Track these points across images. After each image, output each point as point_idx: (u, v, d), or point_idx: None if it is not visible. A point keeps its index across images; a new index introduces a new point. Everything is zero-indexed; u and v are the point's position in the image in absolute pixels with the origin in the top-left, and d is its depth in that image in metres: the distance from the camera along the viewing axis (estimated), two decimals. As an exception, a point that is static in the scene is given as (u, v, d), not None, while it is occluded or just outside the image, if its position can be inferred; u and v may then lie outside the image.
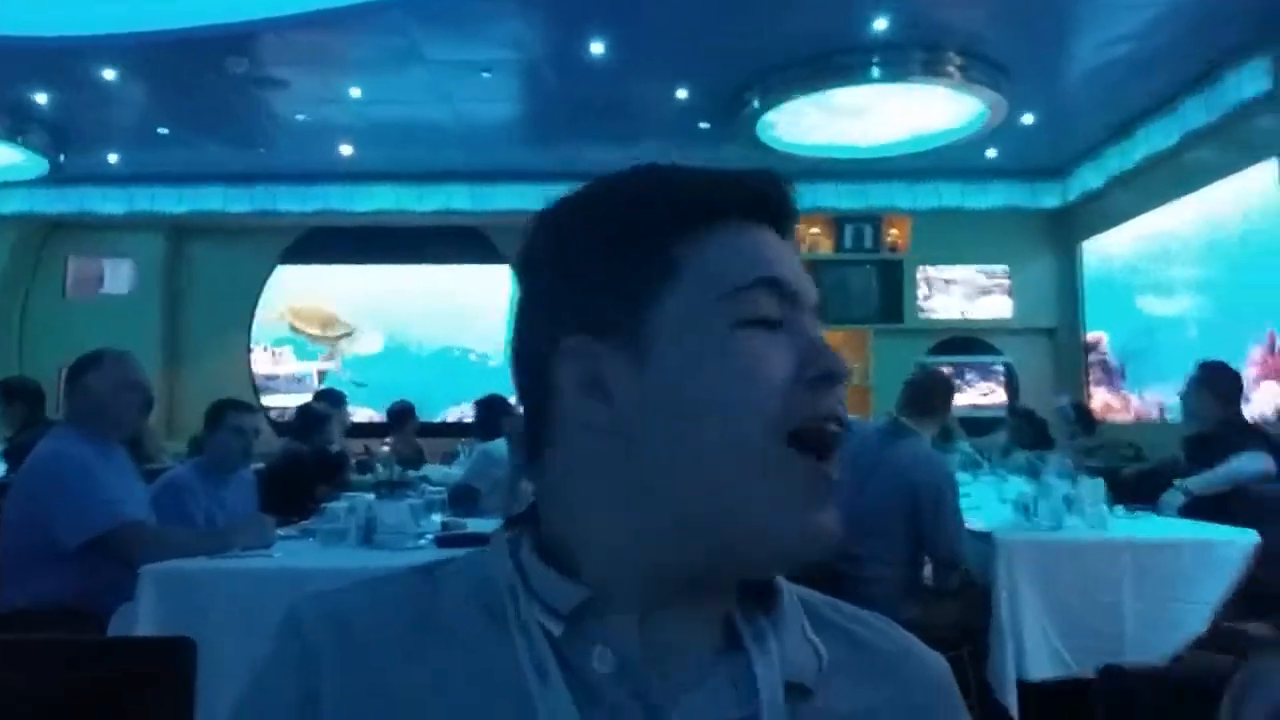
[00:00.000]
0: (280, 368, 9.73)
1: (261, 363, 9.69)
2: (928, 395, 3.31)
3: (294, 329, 9.79)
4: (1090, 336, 8.41)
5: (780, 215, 0.61)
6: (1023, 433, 5.94)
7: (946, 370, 8.58)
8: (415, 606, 0.57)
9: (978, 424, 7.49)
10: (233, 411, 3.37)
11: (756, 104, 6.60)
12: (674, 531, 0.55)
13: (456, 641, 0.55)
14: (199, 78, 6.45)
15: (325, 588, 0.60)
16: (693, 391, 0.55)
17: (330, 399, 6.11)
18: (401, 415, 6.79)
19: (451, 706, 0.53)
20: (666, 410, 0.55)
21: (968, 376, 8.77)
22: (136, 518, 2.69)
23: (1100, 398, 8.16)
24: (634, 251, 0.58)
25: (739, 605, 0.58)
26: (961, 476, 4.55)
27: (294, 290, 9.76)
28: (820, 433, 0.55)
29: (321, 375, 9.62)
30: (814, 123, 6.99)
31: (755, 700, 0.54)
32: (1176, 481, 3.56)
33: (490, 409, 4.64)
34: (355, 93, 6.81)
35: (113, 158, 8.24)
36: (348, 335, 9.84)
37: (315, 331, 9.82)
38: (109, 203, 8.87)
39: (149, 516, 2.82)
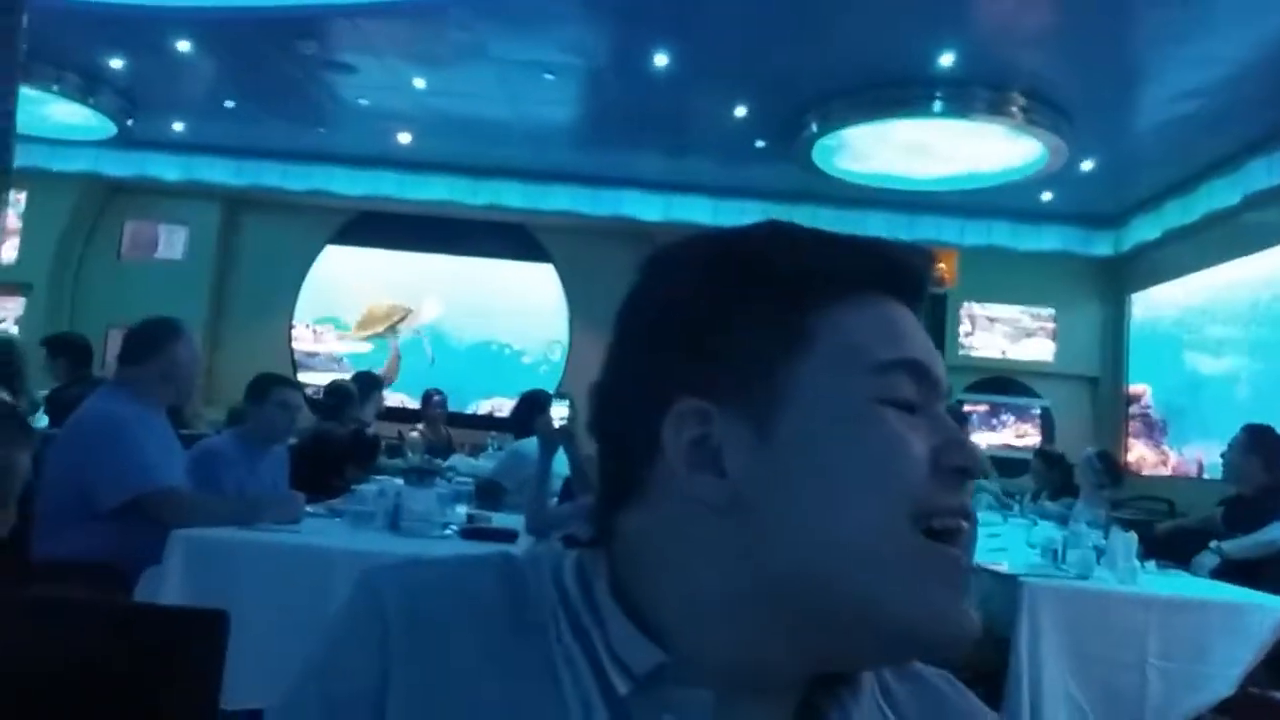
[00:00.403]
0: (320, 346, 9.85)
1: (302, 340, 9.82)
2: None
3: (362, 332, 9.91)
4: (1133, 389, 8.29)
5: (916, 292, 0.57)
6: (1048, 476, 5.86)
7: (983, 408, 8.55)
8: (494, 603, 0.55)
9: (1011, 465, 7.41)
10: (279, 386, 3.40)
11: (815, 128, 6.60)
12: (799, 625, 0.51)
13: (521, 650, 0.53)
14: (269, 56, 6.59)
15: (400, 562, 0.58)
16: (825, 472, 0.51)
17: (366, 381, 6.17)
18: (432, 403, 6.86)
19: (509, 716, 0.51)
20: (792, 490, 0.51)
21: (1004, 417, 8.68)
22: (173, 483, 2.74)
23: (1138, 451, 8.04)
24: (765, 316, 0.53)
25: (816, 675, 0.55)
26: (990, 517, 4.50)
27: (340, 272, 9.88)
28: (955, 529, 0.52)
29: (397, 360, 9.72)
30: (870, 151, 6.97)
31: None
32: (1212, 543, 3.50)
33: (528, 405, 4.65)
34: (419, 83, 6.90)
35: (178, 126, 8.42)
36: (405, 317, 9.92)
37: (380, 329, 9.93)
38: (170, 170, 9.06)
39: (185, 482, 2.87)
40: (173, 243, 9.57)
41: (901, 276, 0.56)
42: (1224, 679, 2.60)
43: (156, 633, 1.19)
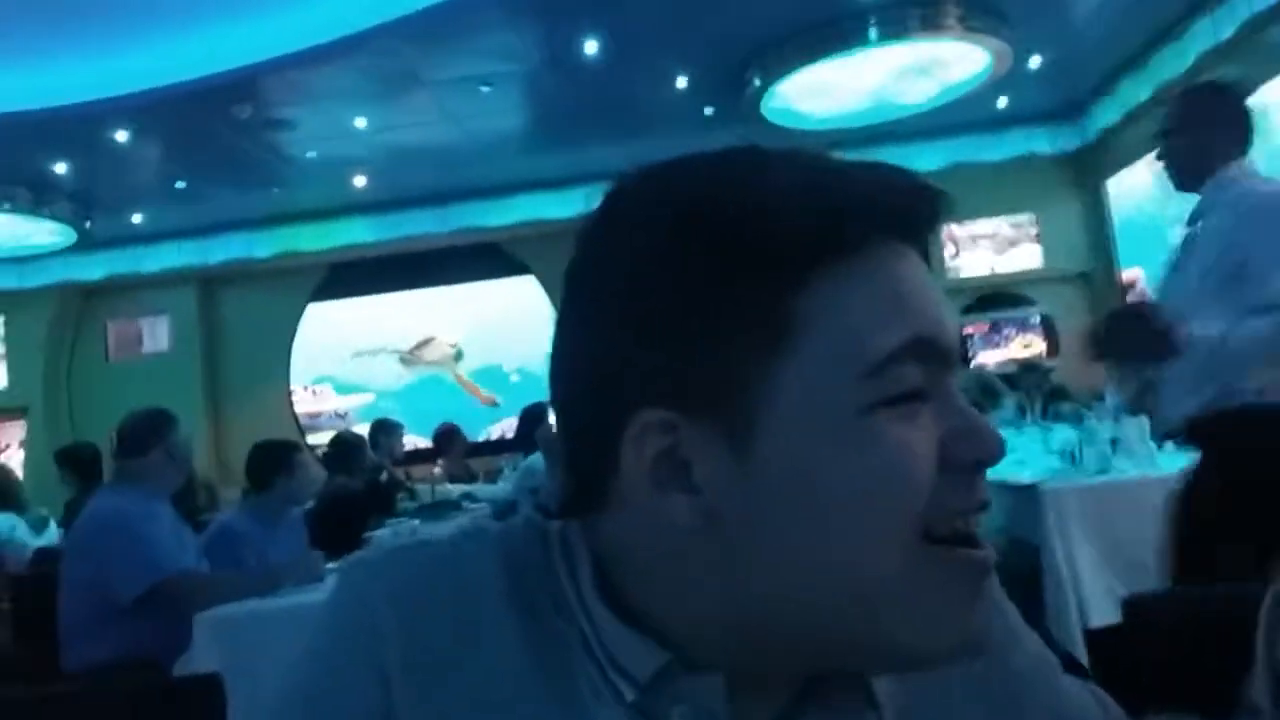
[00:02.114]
0: (322, 405, 9.86)
1: (303, 403, 9.83)
2: None
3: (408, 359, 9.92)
4: (1126, 276, 8.24)
5: (926, 229, 0.48)
6: (1028, 383, 5.88)
7: (983, 328, 8.50)
8: (494, 586, 0.50)
9: (1020, 379, 7.38)
10: (300, 453, 3.46)
11: (758, 82, 6.56)
12: (797, 644, 0.47)
13: (530, 636, 0.49)
14: (208, 128, 6.58)
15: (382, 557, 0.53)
16: (813, 495, 0.44)
17: (382, 427, 6.16)
18: (449, 437, 6.83)
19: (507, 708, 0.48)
20: (776, 514, 0.44)
21: (1005, 331, 8.64)
22: (186, 568, 2.74)
23: (1145, 336, 8.01)
24: (741, 300, 0.44)
25: None
26: (1005, 431, 4.47)
27: (327, 328, 9.86)
28: (969, 529, 0.46)
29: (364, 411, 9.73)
30: (821, 96, 6.92)
31: (874, 714, 0.50)
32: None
33: (528, 419, 4.65)
34: (361, 123, 6.88)
35: (137, 218, 8.42)
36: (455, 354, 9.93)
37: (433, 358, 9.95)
38: (139, 262, 9.08)
39: (200, 565, 2.87)
40: (156, 335, 9.57)
41: (909, 216, 0.47)
42: (1258, 542, 2.58)
43: (155, 709, 1.18)
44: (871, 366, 0.44)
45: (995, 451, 0.46)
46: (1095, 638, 2.50)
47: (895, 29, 6.03)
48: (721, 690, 0.47)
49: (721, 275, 0.44)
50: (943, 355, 0.46)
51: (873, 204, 0.46)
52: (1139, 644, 0.97)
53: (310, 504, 4.20)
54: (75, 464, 5.07)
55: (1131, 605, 1.01)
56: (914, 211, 0.47)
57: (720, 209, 0.45)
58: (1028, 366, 6.35)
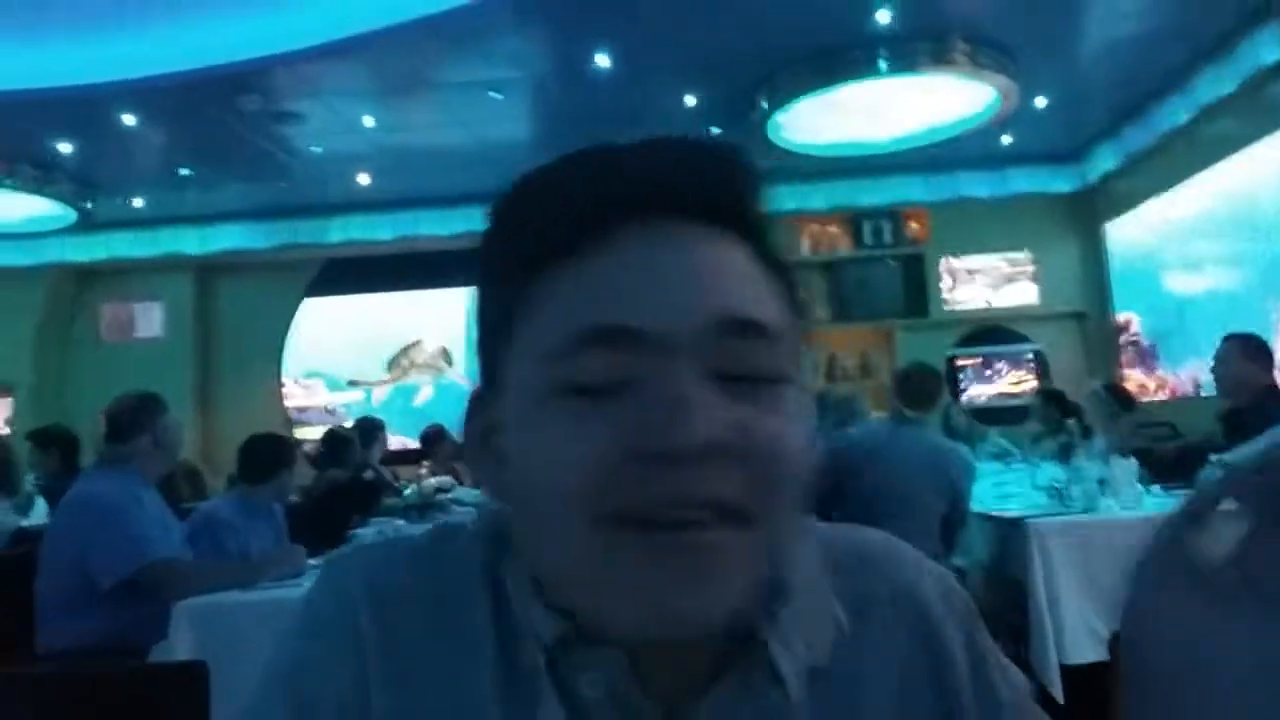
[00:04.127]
0: (312, 400, 9.82)
1: (294, 396, 9.79)
2: (921, 387, 3.27)
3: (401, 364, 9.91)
4: (1120, 318, 8.29)
5: (704, 207, 0.47)
6: (1045, 413, 5.85)
7: (975, 361, 8.53)
8: (473, 575, 0.52)
9: (1010, 413, 7.41)
10: (294, 448, 3.51)
11: (766, 105, 6.59)
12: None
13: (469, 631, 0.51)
14: (214, 117, 6.57)
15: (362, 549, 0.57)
16: (520, 477, 0.47)
17: (367, 426, 6.14)
18: (436, 438, 6.81)
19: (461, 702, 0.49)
20: (511, 482, 0.48)
21: (997, 366, 8.67)
22: (167, 556, 2.73)
23: (1134, 379, 8.04)
24: (499, 283, 0.49)
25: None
26: (993, 466, 4.50)
27: (322, 323, 9.84)
28: (660, 518, 0.43)
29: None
30: (826, 121, 6.97)
31: (779, 690, 0.50)
32: (1213, 458, 3.49)
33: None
34: (369, 121, 6.89)
35: (138, 202, 8.40)
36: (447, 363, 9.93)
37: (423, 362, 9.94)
38: (137, 247, 9.04)
39: (182, 553, 2.86)
40: (150, 320, 9.53)
41: (671, 196, 0.46)
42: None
43: (137, 693, 1.17)
44: (551, 352, 0.45)
45: (683, 442, 0.42)
46: (1073, 675, 2.50)
47: (904, 62, 6.07)
48: (622, 661, 0.48)
49: (496, 256, 0.50)
50: (651, 343, 0.44)
51: (622, 188, 0.46)
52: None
53: (293, 498, 4.21)
54: (58, 444, 5.08)
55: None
56: (682, 190, 0.46)
57: (501, 203, 0.51)
58: (1045, 394, 6.28)
